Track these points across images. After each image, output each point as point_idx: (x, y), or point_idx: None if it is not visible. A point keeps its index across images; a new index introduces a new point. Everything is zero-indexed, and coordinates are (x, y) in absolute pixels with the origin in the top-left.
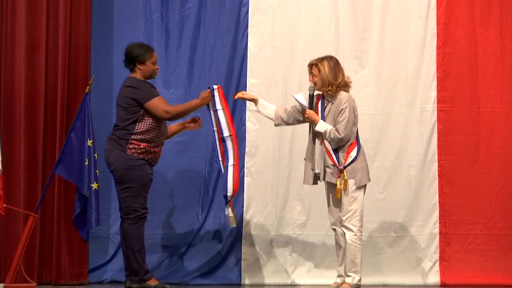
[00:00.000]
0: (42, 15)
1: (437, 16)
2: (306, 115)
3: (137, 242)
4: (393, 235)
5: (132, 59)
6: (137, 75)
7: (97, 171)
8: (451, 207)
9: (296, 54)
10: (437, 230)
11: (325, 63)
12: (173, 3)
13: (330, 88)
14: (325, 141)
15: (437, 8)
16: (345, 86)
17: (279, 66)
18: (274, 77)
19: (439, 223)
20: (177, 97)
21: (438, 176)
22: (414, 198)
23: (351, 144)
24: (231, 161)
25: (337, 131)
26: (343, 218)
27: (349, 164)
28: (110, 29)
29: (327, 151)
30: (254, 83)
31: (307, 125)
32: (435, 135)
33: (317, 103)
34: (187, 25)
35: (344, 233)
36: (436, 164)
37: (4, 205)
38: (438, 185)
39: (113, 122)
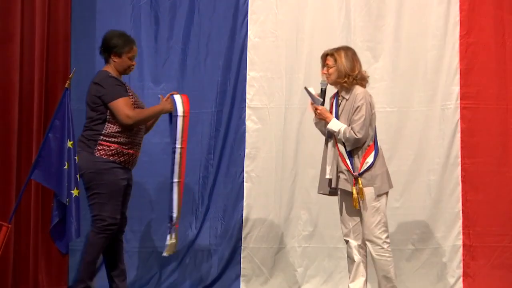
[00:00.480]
0: (16, 2)
1: (460, 2)
2: (317, 112)
3: (91, 253)
4: (411, 248)
5: (108, 48)
6: (110, 67)
7: (77, 176)
8: (476, 217)
9: (301, 44)
10: (460, 242)
11: (342, 53)
12: None
13: (346, 79)
14: (339, 143)
15: None
16: (362, 79)
17: (282, 58)
18: (277, 70)
19: (463, 234)
20: (167, 93)
21: (462, 181)
22: (434, 206)
23: (368, 147)
24: (176, 177)
25: (352, 131)
26: (366, 232)
27: (365, 171)
28: (92, 17)
29: (341, 154)
30: (254, 77)
31: (312, 121)
32: (458, 135)
33: (331, 101)
34: (179, 12)
35: (361, 246)
36: (459, 168)
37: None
38: (462, 191)
39: None
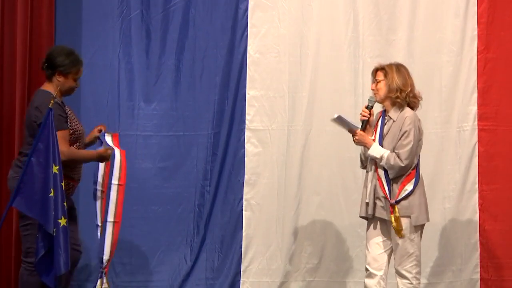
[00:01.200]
0: None
1: (478, 14)
2: (355, 139)
3: None
4: (424, 282)
5: (53, 66)
6: (51, 86)
7: (64, 203)
8: (494, 248)
9: (306, 60)
10: (477, 276)
11: (394, 67)
12: None
13: (398, 94)
14: (378, 168)
15: (477, 4)
16: (414, 98)
17: (285, 75)
18: (279, 88)
19: (480, 267)
20: (160, 114)
21: (479, 209)
22: (449, 236)
23: (408, 174)
24: (111, 217)
25: (398, 157)
26: (396, 263)
27: (403, 199)
28: (78, 30)
29: (379, 179)
30: (255, 96)
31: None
32: (476, 159)
33: (377, 121)
34: (172, 24)
35: (383, 277)
36: (477, 195)
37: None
38: (479, 220)
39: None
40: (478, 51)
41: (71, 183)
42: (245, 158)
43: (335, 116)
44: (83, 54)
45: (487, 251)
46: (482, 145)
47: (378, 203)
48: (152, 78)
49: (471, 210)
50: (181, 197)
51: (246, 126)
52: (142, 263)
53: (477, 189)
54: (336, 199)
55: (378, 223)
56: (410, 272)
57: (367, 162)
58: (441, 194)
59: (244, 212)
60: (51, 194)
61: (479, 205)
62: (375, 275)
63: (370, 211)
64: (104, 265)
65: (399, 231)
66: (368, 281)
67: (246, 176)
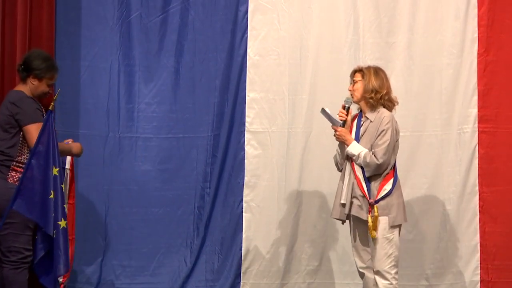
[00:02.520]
0: None
1: (478, 17)
2: (336, 134)
3: None
4: (425, 284)
5: (29, 69)
6: (25, 88)
7: (64, 205)
8: (495, 250)
9: (306, 63)
10: (478, 278)
11: (372, 69)
12: (155, 0)
13: (372, 95)
14: (355, 167)
15: (478, 6)
16: (390, 101)
17: (285, 78)
18: (279, 91)
19: (481, 269)
20: (159, 116)
21: (480, 212)
22: (450, 239)
23: (387, 174)
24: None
25: (374, 156)
26: (375, 264)
27: (382, 198)
28: (78, 32)
29: (357, 178)
30: (254, 99)
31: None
32: (476, 161)
33: (352, 121)
34: (171, 27)
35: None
36: (477, 197)
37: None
38: (479, 222)
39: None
40: (478, 53)
41: None
42: (245, 160)
43: (321, 109)
44: (83, 56)
45: (488, 253)
46: (482, 147)
47: (355, 201)
48: (151, 80)
49: (472, 212)
50: (181, 199)
51: (246, 128)
52: (142, 265)
53: (478, 191)
54: None
55: (356, 228)
56: (389, 273)
57: (343, 162)
58: (441, 196)
59: (244, 214)
60: (51, 196)
61: (479, 207)
62: (370, 278)
63: (346, 211)
64: (59, 283)
65: (372, 231)
66: (366, 285)
67: (246, 178)
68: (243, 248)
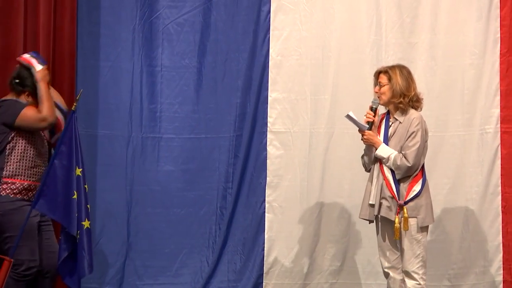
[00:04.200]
0: (19, 16)
1: (500, 17)
2: (363, 138)
3: None
4: (447, 284)
5: (24, 85)
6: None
7: (88, 206)
8: None
9: (328, 63)
10: (500, 278)
11: (397, 71)
12: (177, 0)
13: (401, 100)
14: (384, 168)
15: (500, 7)
16: (417, 101)
17: (307, 78)
18: (301, 91)
19: (503, 269)
20: (182, 116)
21: (502, 212)
22: (472, 239)
23: (416, 175)
24: None
25: (405, 158)
26: (404, 264)
27: (411, 200)
28: (99, 33)
29: (386, 179)
30: (277, 99)
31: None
32: (498, 162)
33: (380, 122)
34: (193, 27)
35: (404, 280)
36: (500, 197)
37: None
38: (502, 223)
39: (100, 146)
40: (500, 53)
41: (31, 184)
42: (267, 161)
43: (346, 114)
44: (105, 57)
45: (510, 253)
46: (504, 148)
47: (384, 203)
48: (174, 80)
49: (494, 212)
50: (203, 199)
51: (268, 128)
52: (165, 265)
53: (500, 191)
54: (358, 202)
55: (384, 229)
56: (417, 273)
57: (371, 164)
58: (463, 197)
59: (266, 214)
60: (74, 197)
61: (502, 207)
62: (396, 279)
63: (375, 212)
64: None
65: (397, 232)
66: (391, 286)
67: (268, 179)
68: (265, 249)
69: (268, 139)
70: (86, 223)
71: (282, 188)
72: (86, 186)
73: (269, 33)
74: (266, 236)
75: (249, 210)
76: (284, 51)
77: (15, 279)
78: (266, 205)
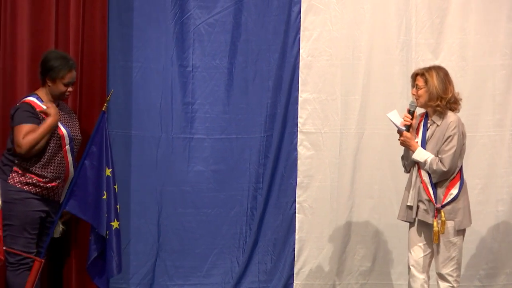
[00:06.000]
0: (50, 17)
1: None
2: (401, 139)
3: None
4: (478, 285)
5: (43, 71)
6: (42, 91)
7: (117, 206)
8: None
9: (358, 63)
10: None
11: (434, 73)
12: (208, 1)
13: (438, 103)
14: (422, 171)
15: None
16: (455, 103)
17: (337, 79)
18: (331, 91)
19: None
20: (212, 116)
21: None
22: (503, 240)
23: (453, 178)
24: None
25: (441, 162)
26: (438, 266)
27: (448, 203)
28: (130, 34)
29: (423, 183)
30: (307, 99)
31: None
32: None
33: (418, 124)
34: (224, 27)
35: (427, 281)
36: None
37: (4, 248)
38: None
39: (132, 147)
40: None
41: (52, 186)
42: (298, 161)
43: (388, 113)
44: (136, 57)
45: None
46: None
47: (421, 206)
48: (204, 81)
49: None
50: (233, 200)
51: (298, 129)
52: (195, 266)
53: None
54: (389, 202)
55: (420, 226)
56: (451, 276)
57: (410, 165)
58: (494, 197)
59: (296, 215)
60: (104, 197)
61: None
62: (418, 278)
63: (413, 215)
64: None
65: (436, 236)
66: (412, 284)
67: (298, 179)
68: (296, 249)
69: (298, 140)
70: (115, 224)
71: (313, 189)
72: (115, 186)
73: (300, 34)
74: (296, 237)
75: (279, 210)
76: (315, 52)
77: (12, 269)
78: (297, 206)
